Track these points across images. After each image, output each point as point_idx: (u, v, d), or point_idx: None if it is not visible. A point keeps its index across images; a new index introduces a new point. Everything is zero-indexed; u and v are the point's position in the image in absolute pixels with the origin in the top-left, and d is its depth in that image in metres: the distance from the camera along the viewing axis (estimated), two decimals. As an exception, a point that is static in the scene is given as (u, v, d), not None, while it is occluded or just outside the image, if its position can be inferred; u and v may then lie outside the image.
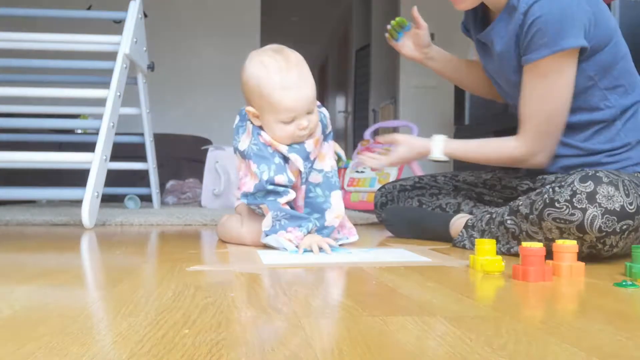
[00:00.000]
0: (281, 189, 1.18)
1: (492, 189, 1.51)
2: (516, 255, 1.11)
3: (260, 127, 1.22)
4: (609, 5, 1.98)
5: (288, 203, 1.21)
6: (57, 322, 0.58)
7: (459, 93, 3.77)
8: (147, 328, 0.56)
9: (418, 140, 1.39)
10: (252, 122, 1.23)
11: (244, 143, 1.23)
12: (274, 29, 7.79)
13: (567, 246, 0.91)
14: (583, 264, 0.91)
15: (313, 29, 8.39)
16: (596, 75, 1.19)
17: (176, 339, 0.52)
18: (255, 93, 1.17)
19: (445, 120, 4.70)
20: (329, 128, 1.32)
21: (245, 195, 1.21)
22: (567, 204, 1.00)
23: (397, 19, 1.52)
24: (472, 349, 0.50)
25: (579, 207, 0.99)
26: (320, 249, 1.14)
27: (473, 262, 0.97)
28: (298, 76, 1.16)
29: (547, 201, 1.04)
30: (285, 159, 1.22)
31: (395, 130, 4.90)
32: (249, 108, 1.21)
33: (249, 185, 1.20)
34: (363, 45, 6.13)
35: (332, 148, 1.33)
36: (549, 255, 0.92)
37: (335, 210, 1.27)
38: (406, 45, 1.52)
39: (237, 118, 1.29)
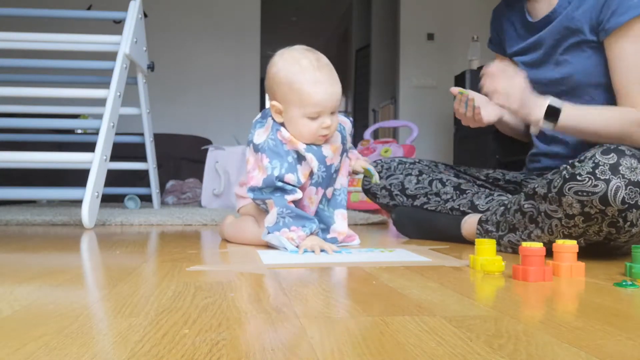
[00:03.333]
0: (289, 187, 1.19)
1: (495, 183, 1.50)
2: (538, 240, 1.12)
3: (282, 124, 1.22)
4: None
5: (294, 202, 1.21)
6: (57, 322, 0.58)
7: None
8: (147, 328, 0.56)
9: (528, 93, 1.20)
10: (273, 118, 1.22)
11: (259, 137, 1.22)
12: (274, 29, 7.79)
13: (567, 246, 0.91)
14: (583, 264, 0.91)
15: (313, 29, 8.39)
16: None
17: (176, 339, 0.52)
18: (284, 86, 1.17)
19: (445, 120, 4.71)
20: (349, 142, 1.32)
21: (252, 189, 1.21)
22: (589, 176, 0.99)
23: (460, 90, 1.38)
24: (472, 349, 0.50)
25: (602, 178, 0.98)
26: (322, 251, 1.14)
27: (473, 262, 0.97)
28: (329, 74, 1.18)
29: (567, 176, 1.03)
30: (298, 160, 1.21)
31: (395, 130, 4.90)
32: (274, 102, 1.20)
33: (258, 180, 1.19)
34: (363, 45, 6.14)
35: (347, 166, 1.32)
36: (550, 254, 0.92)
37: (338, 229, 1.30)
38: (487, 112, 1.37)
39: (259, 115, 1.29)
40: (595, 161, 1.00)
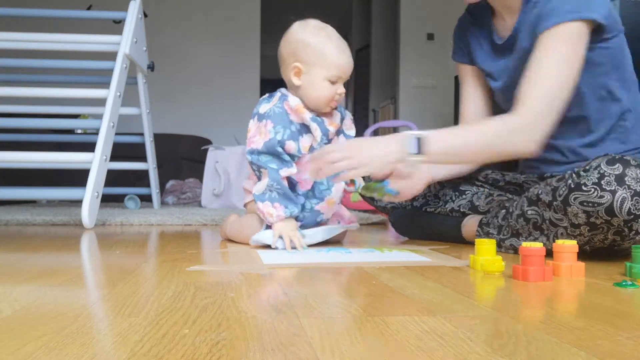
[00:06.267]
0: (287, 157, 1.22)
1: (494, 184, 1.47)
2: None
3: (297, 88, 1.25)
4: None
5: (288, 178, 1.24)
6: (57, 322, 0.58)
7: (459, 93, 3.77)
8: (147, 328, 0.56)
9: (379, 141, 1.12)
10: (285, 86, 1.28)
11: (265, 108, 1.27)
12: (274, 29, 7.80)
13: (567, 246, 0.91)
14: (583, 264, 0.91)
15: (313, 29, 8.38)
16: (606, 64, 1.16)
17: (176, 339, 0.52)
18: (312, 49, 1.24)
19: (445, 120, 4.70)
20: (349, 127, 1.36)
21: (252, 152, 1.24)
22: (595, 186, 0.99)
23: (366, 185, 1.27)
24: (472, 349, 0.50)
25: (607, 189, 0.98)
26: (291, 242, 1.20)
27: (473, 262, 0.97)
28: (345, 46, 1.27)
29: (573, 186, 1.02)
30: (300, 132, 1.25)
31: (395, 130, 4.90)
32: (296, 64, 1.24)
33: (258, 143, 1.23)
34: (363, 45, 6.14)
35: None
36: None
37: (332, 196, 1.30)
38: (412, 186, 1.27)
39: (266, 95, 1.32)
40: (601, 172, 0.99)
